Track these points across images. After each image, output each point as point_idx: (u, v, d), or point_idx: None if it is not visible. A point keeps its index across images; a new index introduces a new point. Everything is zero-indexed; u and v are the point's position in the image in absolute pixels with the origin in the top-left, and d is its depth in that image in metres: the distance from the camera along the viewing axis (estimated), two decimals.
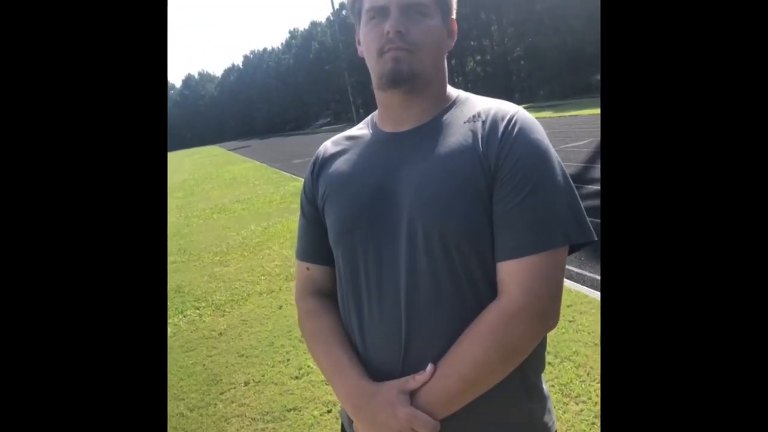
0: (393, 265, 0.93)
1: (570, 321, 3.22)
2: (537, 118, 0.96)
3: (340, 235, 0.99)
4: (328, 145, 1.10)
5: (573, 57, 28.93)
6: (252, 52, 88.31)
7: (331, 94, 66.38)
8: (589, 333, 3.08)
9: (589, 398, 2.49)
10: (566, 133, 12.85)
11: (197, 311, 4.65)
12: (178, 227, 9.09)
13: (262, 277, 5.31)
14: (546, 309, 0.88)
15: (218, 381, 3.27)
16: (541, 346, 0.98)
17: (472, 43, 39.01)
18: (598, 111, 16.77)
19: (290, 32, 77.75)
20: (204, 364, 3.55)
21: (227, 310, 4.57)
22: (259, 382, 3.17)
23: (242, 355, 3.58)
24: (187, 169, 24.34)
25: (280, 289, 4.84)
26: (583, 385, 2.60)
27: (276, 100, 76.97)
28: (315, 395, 2.90)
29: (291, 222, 7.81)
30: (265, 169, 18.17)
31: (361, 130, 1.09)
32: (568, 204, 0.90)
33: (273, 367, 3.33)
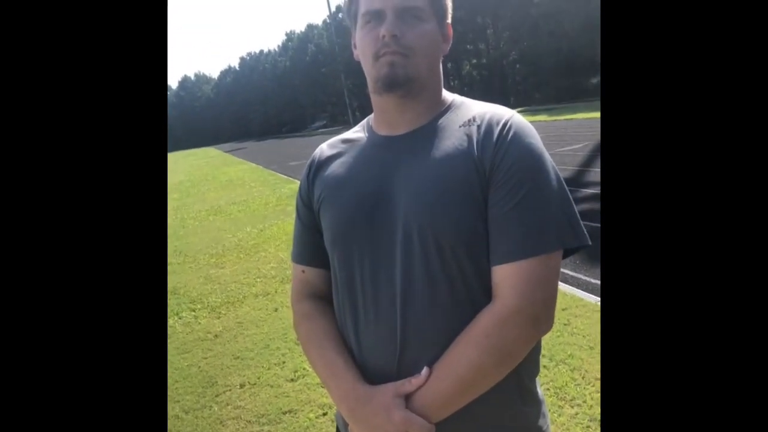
0: (388, 267, 0.93)
1: (565, 324, 3.23)
2: (532, 121, 0.97)
3: (336, 238, 1.00)
4: (324, 148, 1.11)
5: (568, 61, 29.00)
6: (248, 54, 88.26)
7: (327, 96, 66.34)
8: (584, 336, 3.09)
9: (584, 401, 2.50)
10: (561, 137, 12.89)
11: (193, 313, 4.64)
12: (173, 229, 9.07)
13: (258, 280, 5.31)
14: (540, 313, 0.89)
15: (214, 383, 3.26)
16: (536, 350, 0.99)
17: (468, 46, 39.05)
18: (592, 115, 16.84)
19: (287, 34, 77.77)
20: (199, 366, 3.54)
21: (223, 312, 4.56)
22: (254, 384, 3.16)
23: (238, 358, 3.58)
24: (183, 171, 24.29)
25: (275, 292, 4.83)
26: (578, 389, 2.61)
27: (272, 102, 76.87)
28: (310, 398, 2.90)
29: (287, 224, 7.80)
30: (261, 171, 18.15)
31: (357, 133, 1.09)
32: (562, 208, 0.90)
33: (268, 369, 3.33)
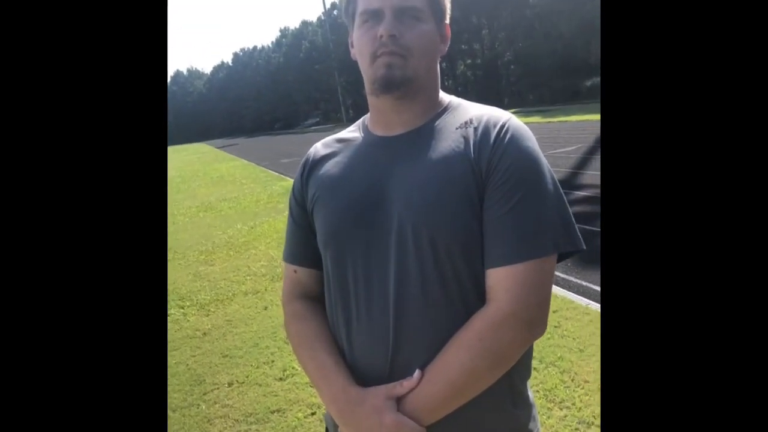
0: (382, 269, 0.93)
1: (555, 326, 3.24)
2: (526, 123, 0.97)
3: (329, 238, 0.99)
4: (319, 147, 1.10)
5: (563, 63, 29.13)
6: (242, 50, 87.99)
7: (320, 93, 66.28)
8: (574, 339, 3.09)
9: (573, 404, 2.51)
10: (555, 139, 12.94)
11: (182, 310, 4.61)
12: (167, 225, 9.01)
13: (248, 277, 5.28)
14: (534, 317, 0.88)
15: (202, 381, 3.24)
16: (528, 354, 0.99)
17: (462, 46, 39.16)
18: (586, 117, 16.92)
19: (281, 31, 77.62)
20: (187, 364, 3.52)
21: (212, 309, 4.53)
22: (243, 383, 3.15)
23: (226, 356, 3.56)
24: (174, 167, 24.17)
25: (265, 290, 4.81)
26: (567, 391, 2.61)
27: (265, 98, 76.69)
28: (299, 397, 2.89)
29: (278, 222, 7.78)
30: (253, 167, 18.09)
31: (353, 133, 1.08)
32: (557, 212, 0.90)
33: (257, 368, 3.31)
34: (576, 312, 3.45)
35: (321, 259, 1.04)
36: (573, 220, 0.92)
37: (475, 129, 0.94)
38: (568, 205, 0.92)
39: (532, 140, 0.94)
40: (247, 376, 3.21)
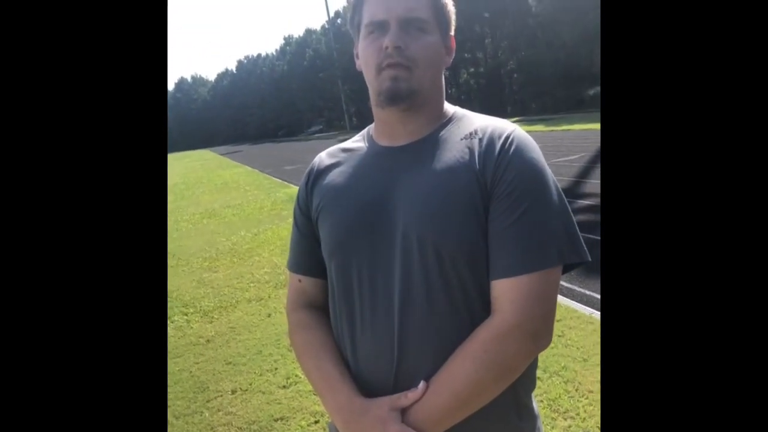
0: (387, 279, 0.93)
1: (559, 336, 3.23)
2: (528, 131, 0.97)
3: (334, 248, 0.99)
4: (324, 156, 1.10)
5: (565, 72, 29.17)
6: (246, 57, 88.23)
7: (324, 101, 66.44)
8: (578, 348, 3.08)
9: (577, 414, 2.49)
10: (558, 148, 12.94)
11: (185, 317, 4.62)
12: (167, 231, 9.03)
13: (252, 284, 5.29)
14: (539, 328, 0.88)
15: (205, 389, 3.24)
16: (533, 365, 0.98)
17: (465, 55, 39.24)
18: (589, 126, 16.91)
19: (285, 39, 77.90)
20: (191, 371, 3.52)
21: (215, 316, 4.53)
22: (246, 390, 3.14)
23: (230, 363, 3.55)
24: (178, 173, 24.23)
25: (269, 297, 4.81)
26: (571, 401, 2.60)
27: (269, 105, 76.89)
28: (303, 405, 2.88)
29: (281, 229, 7.79)
30: (257, 174, 18.12)
31: (357, 142, 1.09)
32: (562, 224, 0.90)
33: (261, 375, 3.31)
34: (580, 321, 3.44)
35: (326, 268, 1.04)
36: (578, 231, 0.92)
37: (480, 140, 0.94)
38: (573, 216, 0.92)
39: (536, 151, 0.94)
40: (251, 384, 3.21)
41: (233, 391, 3.15)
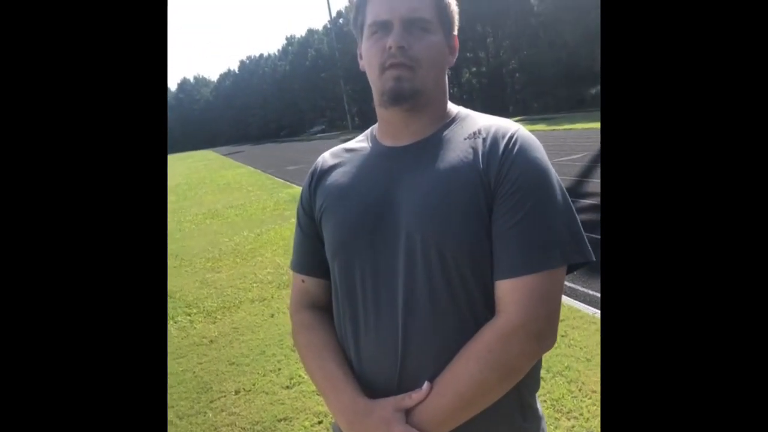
0: (390, 279, 0.93)
1: (562, 336, 3.22)
2: (530, 130, 0.97)
3: (337, 248, 0.99)
4: (327, 156, 1.10)
5: (567, 71, 29.14)
6: (248, 58, 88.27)
7: (326, 101, 66.45)
8: (581, 348, 3.08)
9: (581, 414, 2.49)
10: (560, 147, 12.92)
11: (188, 317, 4.62)
12: (170, 232, 9.05)
13: (255, 285, 5.29)
14: (543, 329, 0.88)
15: (208, 389, 3.24)
16: (537, 366, 0.98)
17: (467, 54, 39.23)
18: (591, 125, 16.88)
19: (287, 39, 77.89)
20: (194, 372, 3.52)
21: (218, 317, 4.54)
22: (249, 391, 3.15)
23: (233, 364, 3.56)
24: (181, 173, 24.27)
25: (272, 297, 4.82)
26: (574, 401, 2.60)
27: (271, 106, 76.92)
28: (306, 405, 2.89)
29: (284, 229, 7.79)
30: (259, 175, 18.14)
31: (361, 142, 1.08)
32: (566, 224, 0.90)
33: (264, 376, 3.31)
34: (583, 321, 3.43)
35: (329, 268, 1.04)
36: (582, 231, 0.92)
37: (484, 140, 0.94)
38: (577, 216, 0.92)
39: (540, 151, 0.94)
40: (254, 384, 3.21)
41: (236, 392, 3.15)
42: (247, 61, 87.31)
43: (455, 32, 1.01)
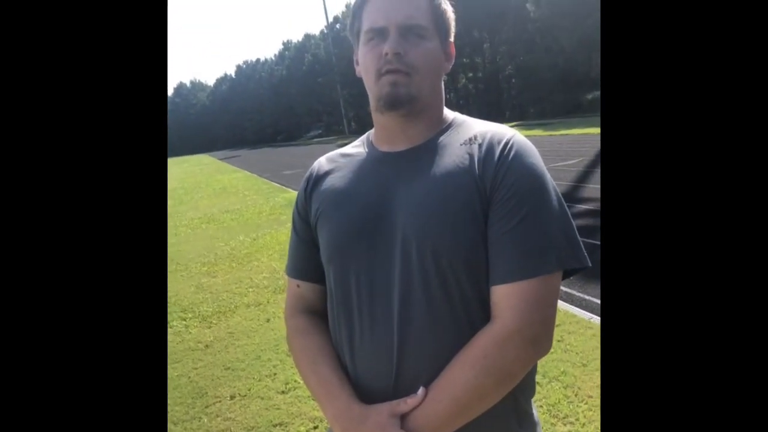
0: (386, 284, 0.93)
1: (558, 341, 3.22)
2: (527, 136, 0.97)
3: (333, 253, 0.99)
4: (323, 161, 1.10)
5: (564, 77, 29.29)
6: (245, 62, 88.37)
7: (323, 106, 66.54)
8: (577, 353, 3.08)
9: (577, 419, 2.49)
10: (556, 152, 12.96)
11: (183, 322, 4.60)
12: (167, 236, 9.01)
13: (250, 289, 5.28)
14: (539, 334, 0.88)
15: (204, 394, 3.23)
16: (532, 372, 0.98)
17: (464, 59, 39.38)
18: (587, 130, 16.94)
19: (284, 44, 78.08)
20: (189, 377, 3.50)
21: (214, 322, 4.52)
22: (245, 396, 3.13)
23: (228, 369, 3.54)
24: (177, 178, 24.21)
25: (267, 302, 4.80)
26: (571, 406, 2.59)
27: (267, 110, 77.00)
28: (301, 411, 2.88)
29: (280, 234, 7.78)
30: (255, 179, 18.12)
31: (357, 148, 1.09)
32: (562, 229, 0.90)
33: (259, 381, 3.30)
34: (579, 326, 3.44)
35: (324, 273, 1.04)
36: (578, 236, 0.92)
37: (480, 145, 0.94)
38: (573, 222, 0.92)
39: (536, 157, 0.94)
40: (250, 389, 3.20)
41: (232, 397, 3.14)
42: (244, 66, 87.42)
43: (451, 39, 1.01)
